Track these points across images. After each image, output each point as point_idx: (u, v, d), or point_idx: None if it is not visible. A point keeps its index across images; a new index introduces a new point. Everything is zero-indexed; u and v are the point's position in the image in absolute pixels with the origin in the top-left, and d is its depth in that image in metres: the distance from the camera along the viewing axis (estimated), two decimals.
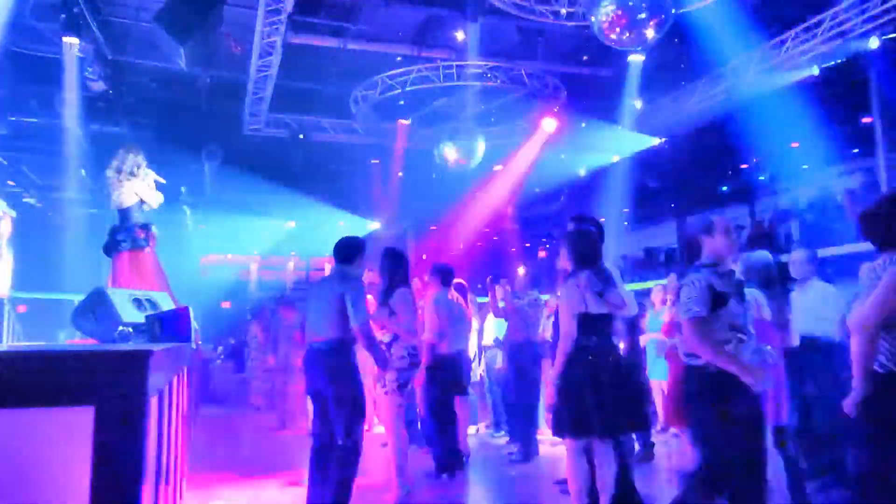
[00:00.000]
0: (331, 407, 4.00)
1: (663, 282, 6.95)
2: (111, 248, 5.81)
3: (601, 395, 3.57)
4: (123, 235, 5.79)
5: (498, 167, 13.12)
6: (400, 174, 13.38)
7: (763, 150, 12.69)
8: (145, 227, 5.95)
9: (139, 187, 6.02)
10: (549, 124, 11.26)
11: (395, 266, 4.73)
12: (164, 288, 5.66)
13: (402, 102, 10.81)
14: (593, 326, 3.67)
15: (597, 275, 3.72)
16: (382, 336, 4.59)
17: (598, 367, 3.61)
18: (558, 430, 3.72)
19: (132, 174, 5.96)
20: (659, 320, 6.94)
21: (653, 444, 6.05)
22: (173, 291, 5.63)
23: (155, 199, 6.17)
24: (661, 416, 7.23)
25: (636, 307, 4.15)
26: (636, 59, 9.52)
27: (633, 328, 5.87)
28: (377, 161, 13.15)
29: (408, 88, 10.26)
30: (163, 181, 6.37)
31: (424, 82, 10.16)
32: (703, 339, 2.99)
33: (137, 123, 11.14)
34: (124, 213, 5.92)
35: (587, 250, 3.80)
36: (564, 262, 3.90)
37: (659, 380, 7.08)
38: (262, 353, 10.06)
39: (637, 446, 5.72)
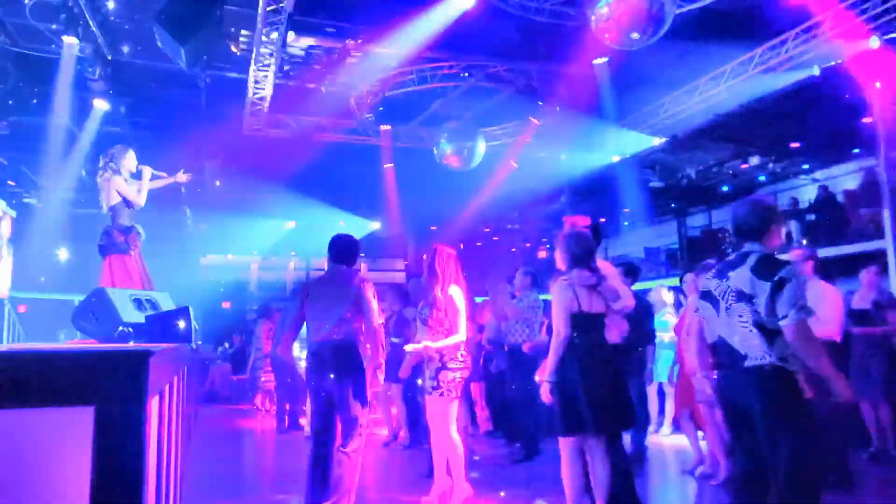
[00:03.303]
0: (339, 405, 3.99)
1: (671, 282, 6.93)
2: (101, 250, 5.70)
3: (592, 394, 3.60)
4: (104, 239, 5.60)
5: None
6: (393, 173, 13.40)
7: (763, 149, 12.71)
8: (126, 230, 5.69)
9: (120, 185, 5.75)
10: None
11: (448, 264, 4.52)
12: None
13: (381, 109, 10.84)
14: (585, 325, 3.70)
15: (589, 271, 3.78)
16: (433, 337, 4.45)
17: (589, 366, 3.64)
18: (552, 428, 3.74)
19: (116, 171, 5.71)
20: (663, 321, 6.94)
21: (645, 447, 6.06)
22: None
23: (140, 198, 5.88)
24: (668, 415, 7.23)
25: (632, 300, 4.16)
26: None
27: (641, 326, 5.81)
28: (390, 165, 13.14)
29: (388, 94, 10.31)
30: (163, 175, 6.12)
31: (403, 86, 10.22)
32: (817, 341, 2.80)
33: (137, 123, 11.15)
34: (112, 213, 5.76)
35: (580, 250, 3.83)
36: (560, 262, 3.94)
37: (660, 380, 7.09)
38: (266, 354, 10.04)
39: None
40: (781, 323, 2.73)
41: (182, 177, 6.20)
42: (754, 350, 2.80)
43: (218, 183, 12.12)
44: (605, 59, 9.53)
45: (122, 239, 5.64)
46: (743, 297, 2.83)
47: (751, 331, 2.81)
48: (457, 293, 4.44)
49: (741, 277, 2.85)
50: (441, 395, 4.39)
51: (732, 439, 3.02)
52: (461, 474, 4.48)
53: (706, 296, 3.04)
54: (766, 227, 2.94)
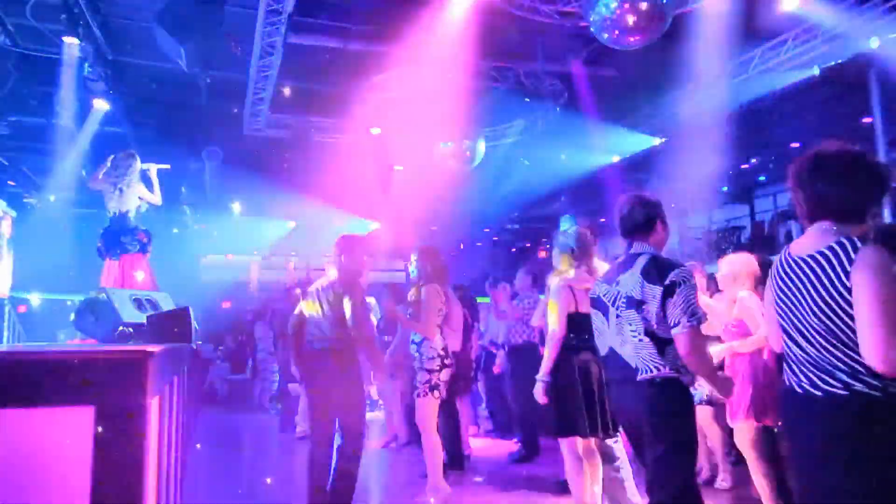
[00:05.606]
0: (336, 408, 3.99)
1: None
2: (113, 251, 5.79)
3: (587, 395, 3.57)
4: (130, 238, 5.82)
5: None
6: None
7: (763, 150, 12.70)
8: (148, 232, 6.01)
9: (143, 192, 6.11)
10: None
11: (428, 264, 4.62)
12: None
13: (377, 110, 10.83)
14: (582, 326, 3.61)
15: (588, 272, 3.75)
16: (414, 336, 4.59)
17: (585, 367, 3.61)
18: (548, 429, 3.73)
19: (129, 184, 5.99)
20: None
21: None
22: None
23: (158, 198, 6.25)
24: None
25: None
26: None
27: None
28: (400, 168, 13.13)
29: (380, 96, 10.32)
30: (167, 167, 6.45)
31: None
32: (707, 351, 2.64)
33: (137, 123, 11.14)
34: (124, 217, 5.91)
35: (580, 250, 3.81)
36: (556, 261, 3.93)
37: None
38: (270, 355, 10.06)
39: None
40: (673, 331, 2.53)
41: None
42: (646, 362, 2.59)
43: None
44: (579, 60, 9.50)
45: (146, 240, 5.89)
46: (632, 303, 2.62)
47: (640, 340, 2.60)
48: (432, 292, 4.47)
49: (631, 282, 2.64)
50: (418, 395, 4.48)
51: (633, 452, 2.85)
52: (437, 475, 4.48)
53: (595, 303, 2.85)
54: (652, 224, 2.75)
